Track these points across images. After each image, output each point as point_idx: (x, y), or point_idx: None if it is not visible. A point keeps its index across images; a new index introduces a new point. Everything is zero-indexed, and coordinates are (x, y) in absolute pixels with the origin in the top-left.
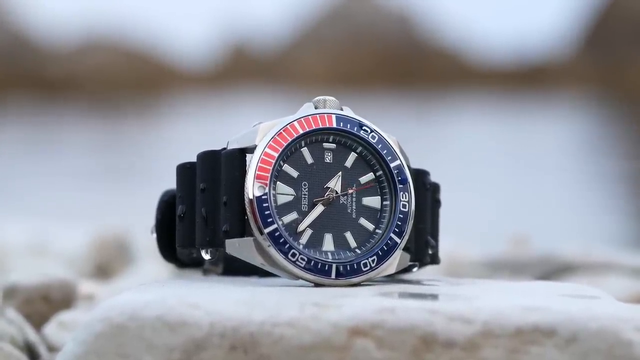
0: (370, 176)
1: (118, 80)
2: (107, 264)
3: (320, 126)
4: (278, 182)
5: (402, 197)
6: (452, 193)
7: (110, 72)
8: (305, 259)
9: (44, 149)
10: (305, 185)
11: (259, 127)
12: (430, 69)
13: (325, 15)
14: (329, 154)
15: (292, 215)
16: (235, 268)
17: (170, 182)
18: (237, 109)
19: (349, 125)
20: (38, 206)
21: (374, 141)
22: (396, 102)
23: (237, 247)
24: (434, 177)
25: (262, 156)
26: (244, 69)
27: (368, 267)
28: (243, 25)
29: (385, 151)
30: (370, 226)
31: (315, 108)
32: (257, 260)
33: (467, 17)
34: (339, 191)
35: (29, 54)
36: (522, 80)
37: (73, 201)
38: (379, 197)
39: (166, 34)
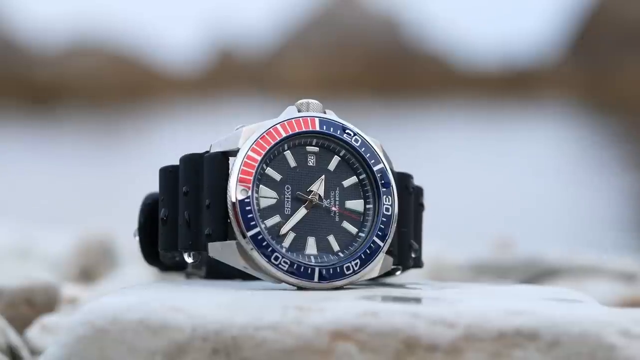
0: (353, 180)
1: (105, 85)
2: (91, 268)
3: (304, 129)
4: (261, 186)
5: (385, 201)
6: (438, 197)
7: (98, 77)
8: (288, 263)
9: (30, 152)
10: (288, 188)
11: (241, 130)
12: (417, 75)
13: (313, 20)
14: (312, 157)
15: (275, 219)
16: (218, 271)
17: (155, 186)
18: (223, 113)
19: (332, 128)
20: (22, 209)
21: (357, 144)
22: (383, 106)
23: (220, 251)
24: (420, 182)
25: (244, 159)
26: (230, 73)
27: (351, 271)
28: (230, 30)
29: (368, 154)
30: (353, 229)
31: (299, 111)
32: (240, 264)
33: (454, 22)
34: (322, 194)
35: (16, 57)
36: (508, 85)
37: (57, 205)
38: (362, 200)
39: (154, 38)
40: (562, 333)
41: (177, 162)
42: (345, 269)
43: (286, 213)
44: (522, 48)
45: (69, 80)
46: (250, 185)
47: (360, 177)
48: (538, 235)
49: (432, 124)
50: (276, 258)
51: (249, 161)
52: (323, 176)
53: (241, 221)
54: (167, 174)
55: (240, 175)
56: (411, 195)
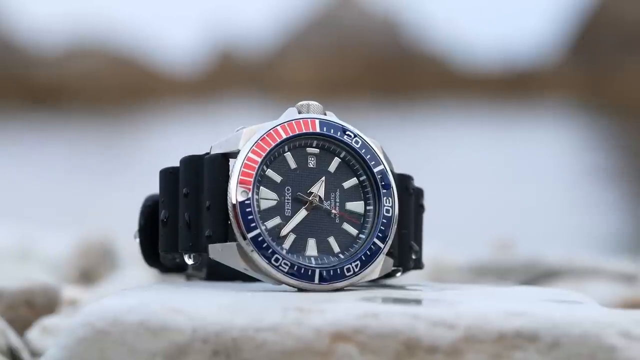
0: (353, 181)
1: (105, 86)
2: (92, 269)
3: (304, 131)
4: (261, 187)
5: (386, 202)
6: (438, 198)
7: (98, 78)
8: (289, 264)
9: (29, 154)
10: (288, 190)
11: (242, 132)
12: (417, 76)
13: (313, 21)
14: (313, 159)
15: (275, 220)
16: (219, 273)
17: (155, 188)
18: (224, 114)
19: (332, 130)
20: (22, 211)
21: (358, 146)
22: (383, 107)
23: (220, 252)
24: (420, 183)
25: (245, 161)
26: (231, 75)
27: (351, 272)
28: (230, 31)
29: (368, 156)
30: (353, 231)
31: (299, 113)
32: (240, 265)
33: (454, 23)
34: (322, 196)
35: (15, 58)
36: (509, 86)
37: (57, 206)
38: (363, 201)
39: (154, 40)
40: (562, 334)
41: (177, 164)
42: (345, 271)
43: (286, 214)
44: (522, 49)
45: (68, 82)
46: (251, 187)
47: (361, 178)
48: (538, 237)
49: (432, 125)
50: (276, 259)
51: (249, 163)
52: (323, 178)
53: (241, 223)
54: (168, 176)
55: (240, 177)
56: (411, 197)
